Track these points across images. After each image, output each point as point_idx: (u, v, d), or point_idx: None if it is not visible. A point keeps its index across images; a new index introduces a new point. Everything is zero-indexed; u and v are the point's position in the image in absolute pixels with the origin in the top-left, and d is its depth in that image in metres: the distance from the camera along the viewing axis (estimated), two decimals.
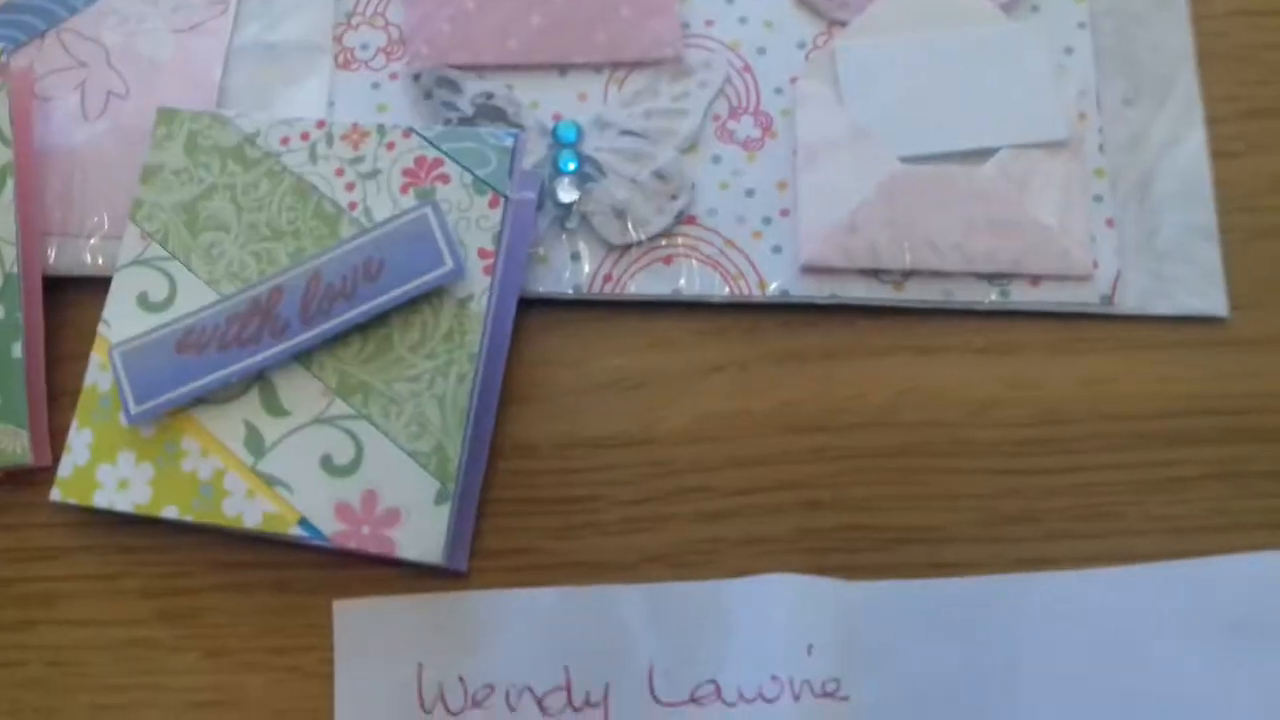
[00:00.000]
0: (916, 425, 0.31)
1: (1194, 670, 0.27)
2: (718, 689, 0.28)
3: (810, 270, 0.31)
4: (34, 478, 0.31)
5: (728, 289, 0.31)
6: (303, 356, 0.30)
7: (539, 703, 0.28)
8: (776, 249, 0.32)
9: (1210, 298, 0.31)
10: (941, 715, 0.28)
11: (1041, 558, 0.30)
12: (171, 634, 0.30)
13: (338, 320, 0.29)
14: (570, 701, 0.28)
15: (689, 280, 0.31)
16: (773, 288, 0.31)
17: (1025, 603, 0.29)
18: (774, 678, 0.28)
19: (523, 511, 0.31)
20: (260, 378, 0.30)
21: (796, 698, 0.28)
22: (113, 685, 0.30)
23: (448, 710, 0.29)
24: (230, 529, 0.29)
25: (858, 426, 0.31)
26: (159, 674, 0.30)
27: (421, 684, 0.29)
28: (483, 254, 0.30)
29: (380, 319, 0.30)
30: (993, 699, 0.28)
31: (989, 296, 0.31)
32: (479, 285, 0.30)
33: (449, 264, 0.29)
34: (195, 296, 0.31)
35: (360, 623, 0.29)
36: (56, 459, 0.30)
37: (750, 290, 0.31)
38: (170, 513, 0.29)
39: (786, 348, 0.32)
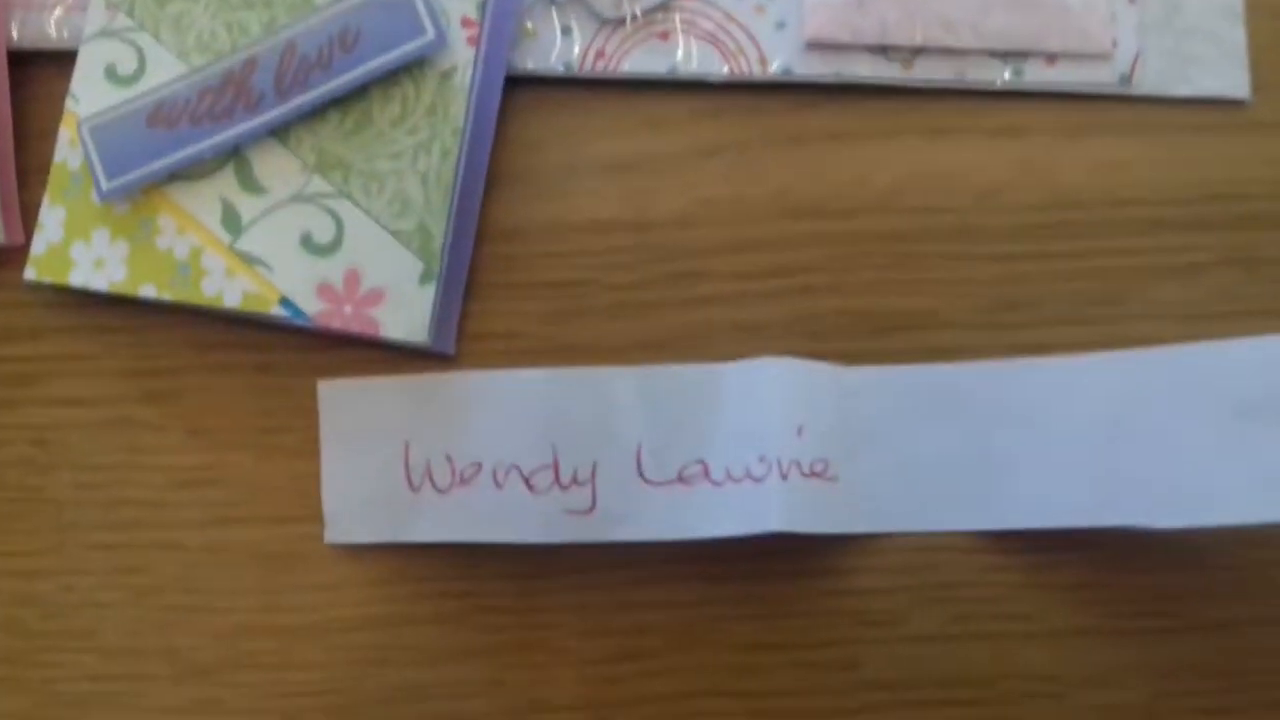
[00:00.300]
0: (920, 210, 0.30)
1: (1194, 453, 0.27)
2: (705, 469, 0.28)
3: (815, 47, 0.30)
4: (7, 259, 0.30)
5: (727, 67, 0.30)
6: (279, 132, 0.29)
7: (526, 480, 0.28)
8: (780, 25, 0.30)
9: (1232, 79, 0.30)
10: (929, 497, 0.28)
11: (1041, 344, 0.29)
12: (154, 414, 0.30)
13: (314, 93, 0.28)
14: (557, 480, 0.28)
15: (686, 58, 0.30)
16: (774, 66, 0.30)
17: (1020, 388, 0.28)
18: (762, 458, 0.28)
19: (512, 296, 0.30)
20: (236, 153, 0.29)
21: (784, 477, 0.27)
22: (96, 464, 0.30)
23: (435, 488, 0.29)
24: (210, 309, 0.29)
25: (859, 211, 0.30)
26: (143, 453, 0.30)
27: (408, 462, 0.29)
28: (466, 23, 0.28)
29: (359, 93, 0.28)
30: (980, 483, 0.28)
31: (1002, 76, 0.30)
32: (463, 57, 0.28)
33: (430, 33, 0.28)
34: (165, 69, 0.29)
35: (346, 403, 0.29)
36: (29, 238, 0.29)
37: (750, 69, 0.30)
38: (148, 291, 0.29)
39: (787, 130, 0.30)
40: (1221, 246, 0.30)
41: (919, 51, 0.30)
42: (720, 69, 0.30)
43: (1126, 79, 0.30)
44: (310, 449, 0.30)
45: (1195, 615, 0.29)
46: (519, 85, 0.30)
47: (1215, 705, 0.29)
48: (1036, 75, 0.30)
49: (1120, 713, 0.29)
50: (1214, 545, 0.29)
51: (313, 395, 0.29)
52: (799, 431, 0.28)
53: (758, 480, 0.28)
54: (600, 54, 0.30)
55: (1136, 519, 0.27)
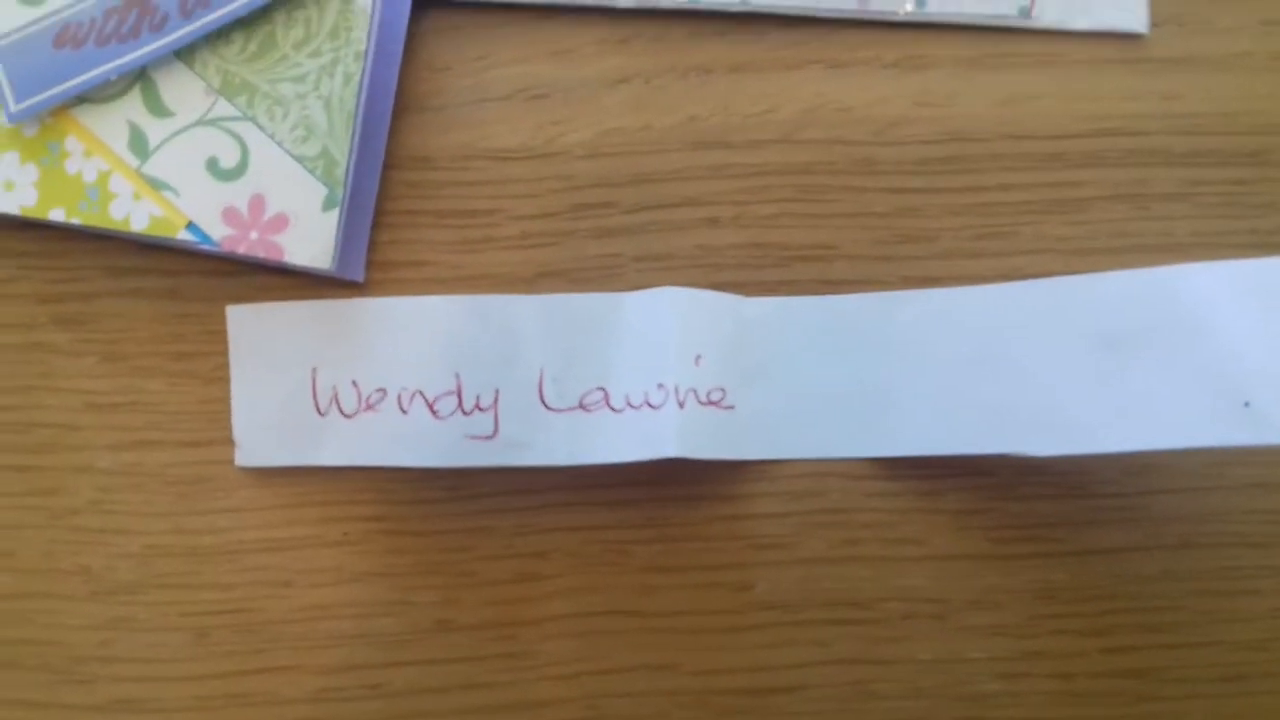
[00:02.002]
0: (822, 143, 0.31)
1: (1066, 383, 0.28)
2: (606, 396, 0.29)
3: None
4: None
5: None
6: (184, 54, 0.29)
7: (430, 406, 0.30)
8: None
9: (1131, 13, 0.31)
10: (822, 423, 0.30)
11: (931, 276, 0.30)
12: (68, 338, 0.31)
13: (218, 13, 0.29)
14: (461, 405, 0.29)
15: None
16: None
17: (905, 317, 0.30)
18: (660, 385, 0.29)
19: (420, 224, 0.31)
20: (142, 76, 0.30)
21: (681, 405, 0.29)
22: (11, 388, 0.31)
23: (342, 413, 0.30)
24: (118, 233, 0.30)
25: (762, 143, 0.31)
26: (57, 377, 0.31)
27: (316, 387, 0.30)
28: None
29: (263, 15, 0.29)
30: (870, 411, 0.30)
31: (905, 7, 0.31)
32: None
33: None
34: None
35: (254, 327, 0.30)
36: None
37: None
38: (57, 215, 0.30)
39: (694, 60, 0.31)
40: (1113, 182, 0.31)
41: None
42: None
43: (1027, 11, 0.31)
44: (221, 374, 0.31)
45: (1075, 541, 0.31)
46: (427, 9, 0.31)
47: (1091, 627, 0.31)
48: (939, 6, 0.31)
49: (999, 632, 0.31)
50: (1096, 474, 0.31)
51: (224, 320, 0.31)
52: (696, 360, 0.29)
53: (656, 407, 0.29)
54: None
55: (1015, 447, 0.28)
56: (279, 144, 0.29)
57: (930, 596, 0.31)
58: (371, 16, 0.29)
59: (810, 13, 0.31)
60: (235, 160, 0.29)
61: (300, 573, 0.31)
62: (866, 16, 0.31)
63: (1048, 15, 0.31)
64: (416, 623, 0.31)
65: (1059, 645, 0.31)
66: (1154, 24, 0.31)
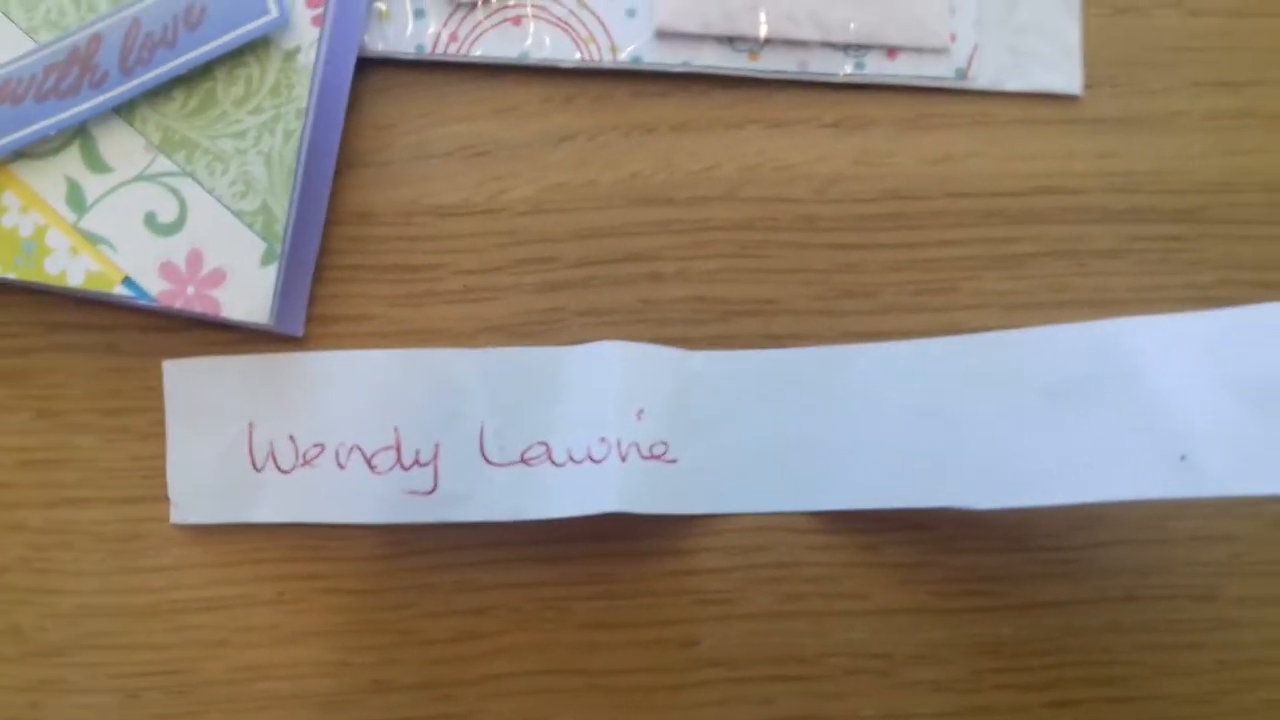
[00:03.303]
0: (763, 200, 0.31)
1: (1007, 437, 0.28)
2: (548, 450, 0.29)
3: (664, 36, 0.31)
4: None
5: (578, 54, 0.31)
6: (124, 110, 0.29)
7: (368, 461, 0.29)
8: (631, 13, 0.31)
9: (1066, 74, 0.32)
10: (765, 477, 0.30)
11: (873, 331, 0.31)
12: (2, 394, 0.31)
13: (158, 70, 0.29)
14: (400, 460, 0.29)
15: (538, 43, 0.31)
16: (625, 54, 0.31)
17: (849, 372, 0.30)
18: (603, 439, 0.29)
19: (361, 279, 0.31)
20: (81, 131, 0.30)
21: (624, 458, 0.29)
22: None
23: (279, 468, 0.30)
24: (54, 288, 0.29)
25: (705, 200, 0.31)
26: None
27: (252, 442, 0.30)
28: (311, 2, 0.29)
29: (204, 72, 0.29)
30: (813, 465, 0.30)
31: (844, 69, 0.31)
32: (307, 37, 0.29)
33: (273, 12, 0.29)
34: (14, 45, 0.30)
35: (190, 381, 0.30)
36: None
37: (601, 56, 0.31)
38: None
39: (636, 118, 0.32)
40: (1050, 238, 0.31)
41: (765, 43, 0.31)
42: (572, 55, 0.31)
43: (963, 73, 0.31)
44: (157, 430, 0.31)
45: (1019, 595, 0.31)
46: (371, 67, 0.31)
47: (1036, 681, 0.31)
48: (877, 68, 0.31)
49: (943, 687, 0.31)
50: (1039, 527, 0.31)
51: (160, 375, 0.30)
52: (639, 414, 0.29)
53: (598, 461, 0.29)
54: (453, 37, 0.31)
55: (956, 500, 0.28)
56: (218, 199, 0.29)
57: (874, 651, 0.31)
58: (313, 74, 0.29)
59: (751, 74, 0.32)
60: (174, 215, 0.29)
61: (235, 632, 0.30)
62: (806, 78, 0.32)
63: (984, 77, 0.32)
64: (354, 683, 0.30)
65: (1005, 700, 0.31)
66: (1088, 85, 0.32)
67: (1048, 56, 0.32)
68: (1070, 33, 0.32)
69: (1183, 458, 0.26)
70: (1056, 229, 0.32)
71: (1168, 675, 0.31)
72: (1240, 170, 0.32)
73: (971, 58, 0.32)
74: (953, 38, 0.32)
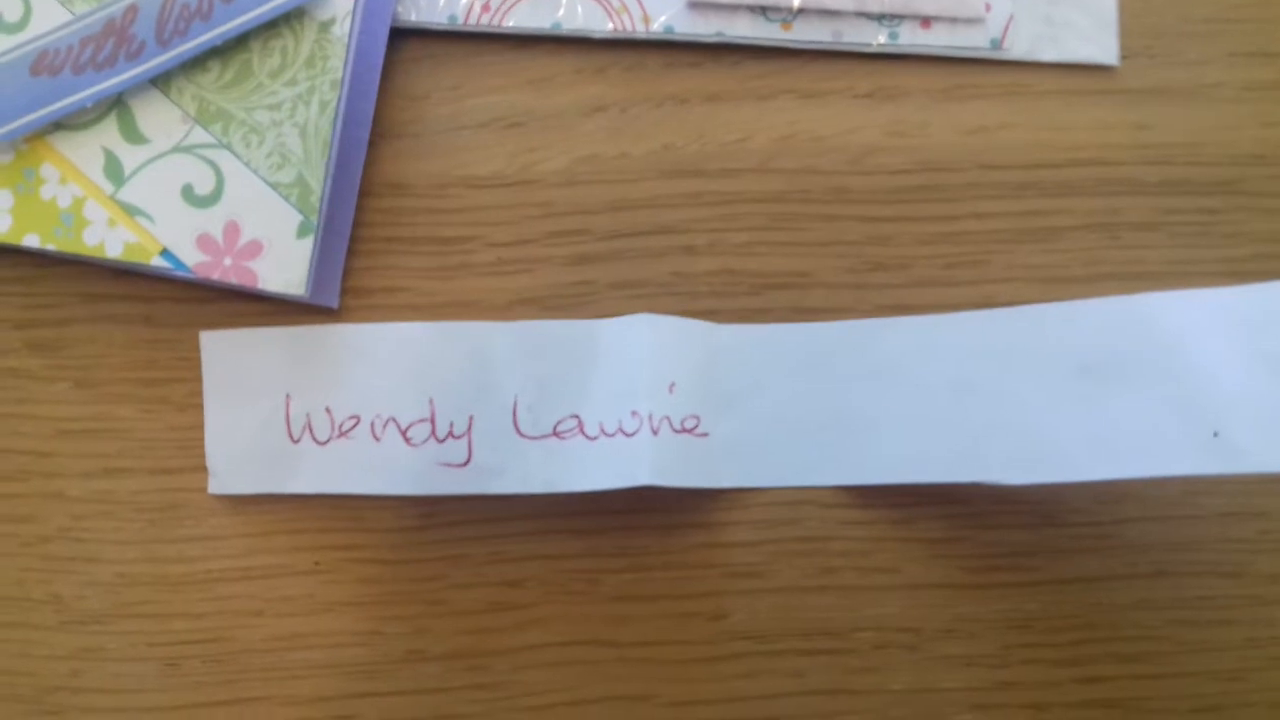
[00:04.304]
0: (795, 172, 0.31)
1: (1040, 412, 0.28)
2: (580, 423, 0.29)
3: (696, 6, 0.30)
4: None
5: (611, 24, 0.31)
6: (161, 82, 0.29)
7: (403, 434, 0.29)
8: None
9: (1102, 45, 0.31)
10: (796, 452, 0.30)
11: (905, 304, 0.30)
12: (41, 364, 0.30)
13: (194, 42, 0.29)
14: (434, 433, 0.29)
15: (570, 14, 0.30)
16: (657, 24, 0.30)
17: (881, 345, 0.29)
18: (634, 413, 0.28)
19: (395, 250, 0.31)
20: (118, 103, 0.29)
21: (655, 432, 0.28)
22: None
23: (315, 440, 0.29)
24: (93, 259, 0.29)
25: (737, 172, 0.31)
26: (30, 403, 0.30)
27: (289, 414, 0.30)
28: None
29: (239, 43, 0.29)
30: (844, 439, 0.29)
31: (878, 39, 0.30)
32: (342, 8, 0.29)
33: None
34: (50, 16, 0.30)
35: (227, 353, 0.30)
36: None
37: (634, 26, 0.30)
38: (31, 241, 0.29)
39: (669, 89, 0.31)
40: (1084, 211, 0.31)
41: (798, 12, 0.31)
42: (604, 25, 0.31)
43: (998, 43, 0.31)
44: (194, 400, 0.30)
45: (1049, 570, 0.30)
46: (404, 38, 0.31)
47: (1065, 657, 0.30)
48: (911, 38, 0.31)
49: (973, 662, 0.30)
50: (1070, 503, 0.30)
51: (197, 347, 0.30)
52: (671, 388, 0.29)
53: (630, 435, 0.29)
54: (486, 8, 0.30)
55: (988, 475, 0.28)
56: (254, 171, 0.29)
57: (903, 626, 0.30)
58: (348, 45, 0.29)
59: (784, 44, 0.31)
60: (210, 187, 0.29)
61: (271, 601, 0.30)
62: (840, 48, 0.31)
63: (1018, 47, 0.31)
64: (388, 653, 0.30)
65: (1033, 675, 0.30)
66: (1124, 56, 0.31)
67: (1083, 27, 0.31)
68: (1106, 3, 0.31)
69: (1215, 434, 0.25)
70: (1091, 201, 0.31)
71: (1197, 652, 0.30)
72: (1277, 142, 0.31)
73: (1006, 28, 0.31)
74: (988, 7, 0.31)
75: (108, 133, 0.29)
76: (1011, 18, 0.31)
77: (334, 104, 0.29)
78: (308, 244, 0.29)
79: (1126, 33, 0.32)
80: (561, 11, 0.31)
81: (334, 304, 0.31)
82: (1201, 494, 0.31)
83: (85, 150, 0.29)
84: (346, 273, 0.31)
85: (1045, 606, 0.31)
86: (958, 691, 0.30)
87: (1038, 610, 0.31)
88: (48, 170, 0.29)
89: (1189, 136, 0.31)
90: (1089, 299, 0.27)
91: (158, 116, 0.29)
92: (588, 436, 0.29)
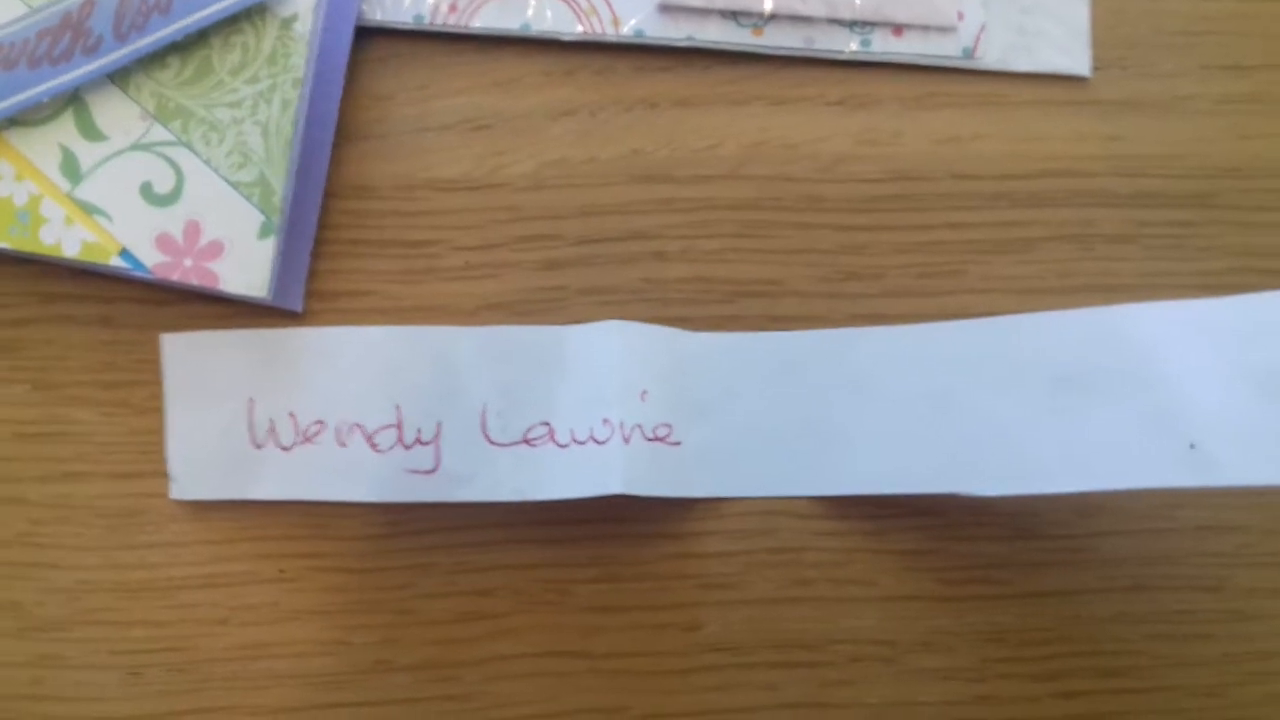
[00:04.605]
0: (767, 179, 0.29)
1: (1014, 423, 0.26)
2: (550, 431, 0.27)
3: (667, 10, 0.28)
4: None
5: (580, 27, 0.28)
6: (119, 78, 0.27)
7: (369, 439, 0.27)
8: None
9: (1075, 55, 0.29)
10: (770, 461, 0.28)
11: (879, 314, 0.28)
12: None
13: (153, 37, 0.26)
14: (401, 439, 0.27)
15: (539, 15, 0.28)
16: (627, 27, 0.28)
17: (855, 355, 0.27)
18: (606, 420, 0.26)
19: (361, 254, 0.28)
20: (75, 99, 0.27)
21: (627, 440, 0.26)
22: None
23: (279, 445, 0.27)
24: (50, 258, 0.27)
25: (707, 178, 0.29)
26: None
27: (252, 418, 0.27)
28: None
29: (200, 39, 0.27)
30: (818, 449, 0.27)
31: (849, 46, 0.29)
32: (304, 5, 0.27)
33: None
34: (5, 9, 0.27)
35: (189, 356, 0.28)
36: None
37: (604, 29, 0.28)
38: None
39: (639, 94, 0.29)
40: (1058, 222, 0.29)
41: (770, 18, 0.29)
42: (574, 28, 0.29)
43: (970, 52, 0.29)
44: (155, 404, 0.28)
45: (1025, 583, 0.28)
46: (370, 37, 0.29)
47: (1043, 671, 0.28)
48: (883, 46, 0.29)
49: (949, 675, 0.28)
50: (1046, 515, 0.28)
51: (157, 349, 0.28)
52: (642, 395, 0.27)
53: (601, 443, 0.27)
54: (453, 8, 0.28)
55: (963, 487, 0.26)
56: (214, 170, 0.27)
57: (879, 638, 0.28)
58: (310, 43, 0.27)
59: (755, 49, 0.29)
60: (170, 186, 0.27)
61: (235, 609, 0.28)
62: (811, 55, 0.29)
63: (991, 56, 0.29)
64: (355, 662, 0.28)
65: (1010, 689, 0.28)
66: (1097, 67, 0.30)
67: (1056, 37, 0.29)
68: (1079, 13, 0.29)
69: (1192, 446, 0.24)
70: (1065, 212, 0.29)
71: (1175, 666, 0.28)
72: (1251, 155, 0.29)
73: (979, 37, 0.29)
74: (960, 16, 0.29)
75: (64, 129, 0.27)
76: (984, 27, 0.29)
77: (296, 102, 0.27)
78: (270, 245, 0.27)
79: (1099, 44, 0.30)
80: (530, 13, 0.29)
81: (298, 307, 0.28)
82: (1179, 507, 0.29)
83: (41, 146, 0.27)
84: (311, 275, 0.28)
85: (1021, 620, 0.29)
86: (935, 705, 0.28)
87: (1014, 623, 0.29)
88: (3, 167, 0.27)
89: (1163, 149, 0.30)
90: (1064, 310, 0.26)
91: (116, 113, 0.27)
92: (558, 444, 0.27)
